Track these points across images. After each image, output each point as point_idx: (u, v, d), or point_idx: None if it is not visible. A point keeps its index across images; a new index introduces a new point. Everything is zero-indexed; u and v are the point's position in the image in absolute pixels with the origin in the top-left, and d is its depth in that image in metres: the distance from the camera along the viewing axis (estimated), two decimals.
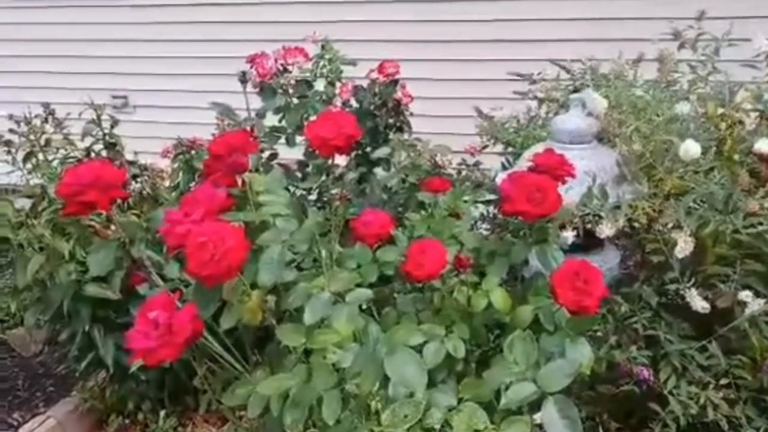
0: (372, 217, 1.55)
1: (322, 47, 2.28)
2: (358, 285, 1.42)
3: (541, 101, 2.26)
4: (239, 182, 1.49)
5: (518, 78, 2.31)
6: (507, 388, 1.22)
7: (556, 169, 1.51)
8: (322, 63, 2.27)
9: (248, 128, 2.14)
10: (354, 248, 1.60)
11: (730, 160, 1.72)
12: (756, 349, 1.61)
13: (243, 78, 2.16)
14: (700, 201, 1.66)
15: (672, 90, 2.01)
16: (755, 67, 1.88)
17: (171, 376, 2.10)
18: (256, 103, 2.22)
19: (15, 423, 2.27)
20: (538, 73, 2.28)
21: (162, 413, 2.20)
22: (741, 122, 1.72)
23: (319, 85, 2.27)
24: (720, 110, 1.75)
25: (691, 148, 1.60)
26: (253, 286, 1.35)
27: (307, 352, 1.35)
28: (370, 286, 1.47)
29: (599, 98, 1.82)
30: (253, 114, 2.22)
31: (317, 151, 1.63)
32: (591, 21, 3.23)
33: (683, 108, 1.76)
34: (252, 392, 1.36)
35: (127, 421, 2.25)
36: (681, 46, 2.01)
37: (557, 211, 1.42)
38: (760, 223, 1.57)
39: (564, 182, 1.50)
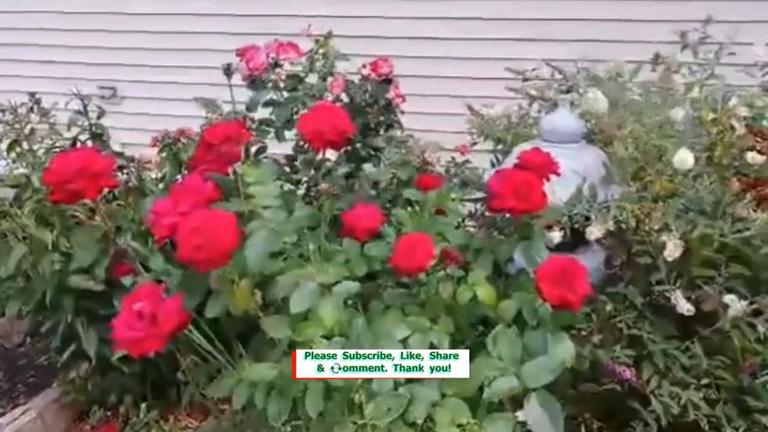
0: (363, 210, 1.54)
1: (316, 41, 2.26)
2: (346, 278, 1.41)
3: (533, 99, 2.25)
4: (230, 172, 1.48)
5: (512, 76, 2.30)
6: (490, 382, 1.23)
7: (542, 168, 1.51)
8: (316, 57, 2.25)
9: (239, 120, 2.13)
10: (342, 243, 1.59)
11: (721, 165, 1.73)
12: (737, 350, 1.63)
13: (227, 71, 2.13)
14: (688, 205, 1.67)
15: (669, 93, 2.02)
16: (752, 75, 1.90)
17: (153, 369, 2.08)
18: (242, 95, 2.20)
19: None
20: (533, 70, 2.28)
21: (143, 406, 2.19)
22: (732, 128, 1.74)
23: (312, 80, 2.25)
24: (712, 115, 1.76)
25: (688, 158, 1.61)
26: (243, 276, 1.34)
27: (292, 345, 1.34)
28: (358, 281, 1.47)
29: (601, 97, 1.83)
30: (238, 107, 2.20)
31: (309, 144, 1.61)
32: (589, 21, 3.24)
33: (677, 114, 1.77)
34: (237, 383, 1.35)
35: (108, 414, 2.24)
36: (684, 48, 2.02)
37: (543, 208, 1.43)
38: (747, 228, 1.58)
39: (548, 180, 1.50)
